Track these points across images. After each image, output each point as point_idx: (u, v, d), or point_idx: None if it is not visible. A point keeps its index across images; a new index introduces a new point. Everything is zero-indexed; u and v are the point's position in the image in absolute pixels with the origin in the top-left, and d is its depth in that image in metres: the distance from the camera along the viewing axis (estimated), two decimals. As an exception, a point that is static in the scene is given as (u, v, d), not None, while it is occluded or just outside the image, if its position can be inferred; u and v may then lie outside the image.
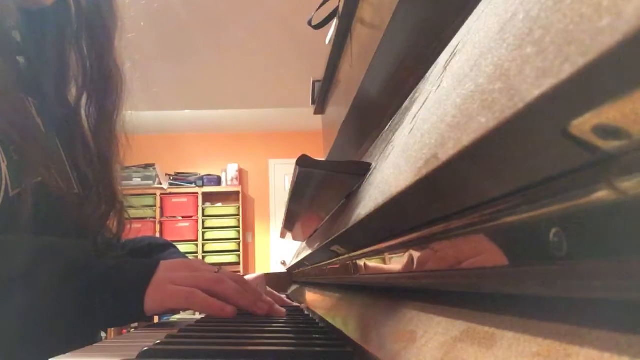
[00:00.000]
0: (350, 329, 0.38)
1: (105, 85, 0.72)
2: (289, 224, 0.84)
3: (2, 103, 0.56)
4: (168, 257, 0.80)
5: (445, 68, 0.25)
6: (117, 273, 0.56)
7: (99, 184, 0.71)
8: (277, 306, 0.63)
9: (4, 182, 0.54)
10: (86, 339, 0.53)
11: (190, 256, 2.49)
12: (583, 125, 0.11)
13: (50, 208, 0.60)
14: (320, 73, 0.99)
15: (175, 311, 0.60)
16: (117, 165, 0.74)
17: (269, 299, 0.63)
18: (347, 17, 0.68)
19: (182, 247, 4.08)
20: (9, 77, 0.59)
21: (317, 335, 0.44)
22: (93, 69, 0.71)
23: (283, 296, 0.91)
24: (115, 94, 0.72)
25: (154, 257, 0.76)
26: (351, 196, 0.41)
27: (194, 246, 4.70)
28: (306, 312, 0.72)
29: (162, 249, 0.79)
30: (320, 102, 1.11)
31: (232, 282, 0.59)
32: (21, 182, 0.56)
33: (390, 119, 0.48)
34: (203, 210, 4.81)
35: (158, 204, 4.71)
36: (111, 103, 0.72)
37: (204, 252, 4.70)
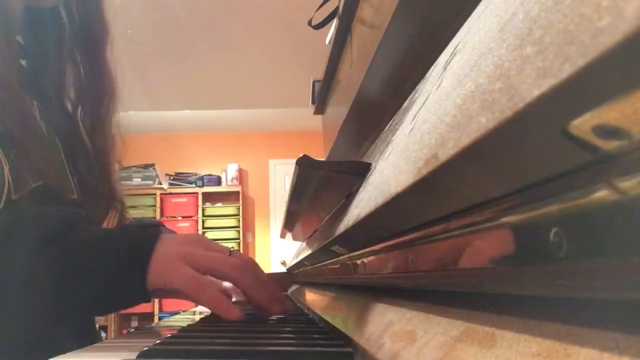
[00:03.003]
0: (350, 329, 0.38)
1: (99, 95, 0.72)
2: (289, 224, 0.84)
3: (8, 103, 0.56)
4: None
5: (445, 68, 0.25)
6: (111, 241, 0.49)
7: (98, 185, 0.71)
8: (287, 304, 0.59)
9: (6, 185, 0.54)
10: (70, 321, 0.47)
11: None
12: (583, 125, 0.11)
13: None
14: (320, 73, 0.99)
15: (179, 295, 0.52)
16: (115, 164, 0.74)
17: (278, 294, 0.59)
18: (347, 17, 0.68)
19: (182, 247, 4.08)
20: (15, 79, 0.59)
21: (317, 335, 0.44)
22: (86, 77, 0.72)
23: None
24: (108, 100, 0.73)
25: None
26: (351, 196, 0.41)
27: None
28: (306, 312, 0.72)
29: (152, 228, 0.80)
30: (320, 102, 1.11)
31: (251, 272, 0.53)
32: (23, 186, 0.56)
33: (390, 119, 0.48)
34: (203, 210, 4.81)
35: (158, 204, 4.72)
36: (104, 110, 0.73)
37: (204, 252, 4.70)
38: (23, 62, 0.67)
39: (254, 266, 0.55)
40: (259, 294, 0.53)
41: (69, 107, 0.72)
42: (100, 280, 0.47)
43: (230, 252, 0.54)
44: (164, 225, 0.84)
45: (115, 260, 0.47)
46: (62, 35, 0.71)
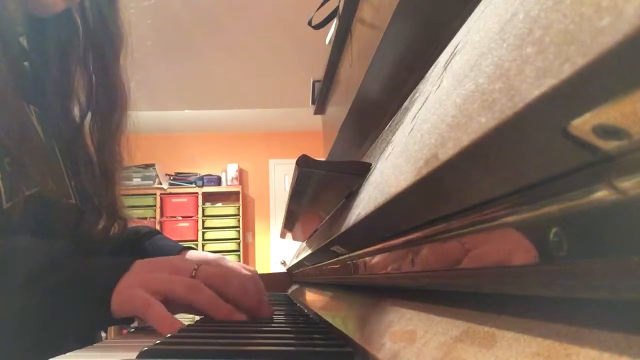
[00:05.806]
0: (350, 329, 0.38)
1: (110, 104, 0.72)
2: (289, 224, 0.84)
3: (1, 114, 0.56)
4: (156, 243, 0.81)
5: (445, 68, 0.25)
6: (83, 277, 0.52)
7: (100, 194, 0.71)
8: (265, 309, 0.56)
9: None
10: (56, 346, 0.50)
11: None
12: (583, 125, 0.11)
13: (47, 219, 0.59)
14: (320, 73, 0.99)
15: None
16: (120, 181, 0.74)
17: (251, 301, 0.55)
18: (347, 17, 0.68)
19: (182, 247, 4.08)
20: (10, 84, 0.58)
21: (317, 335, 0.44)
22: (98, 88, 0.72)
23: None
24: (120, 112, 0.73)
25: (137, 247, 0.77)
26: (351, 196, 0.41)
27: (194, 246, 4.70)
28: (306, 312, 0.72)
29: (148, 236, 0.80)
30: (320, 102, 1.11)
31: (207, 292, 0.52)
32: (16, 195, 0.55)
33: (390, 119, 0.48)
34: (203, 210, 4.81)
35: (158, 204, 4.72)
36: (115, 121, 0.72)
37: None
38: (26, 64, 0.67)
39: (218, 279, 0.54)
40: (215, 314, 0.52)
41: (76, 111, 0.72)
42: (72, 318, 0.51)
43: (196, 270, 0.54)
44: (161, 232, 0.84)
45: (83, 301, 0.51)
46: (73, 39, 0.71)
